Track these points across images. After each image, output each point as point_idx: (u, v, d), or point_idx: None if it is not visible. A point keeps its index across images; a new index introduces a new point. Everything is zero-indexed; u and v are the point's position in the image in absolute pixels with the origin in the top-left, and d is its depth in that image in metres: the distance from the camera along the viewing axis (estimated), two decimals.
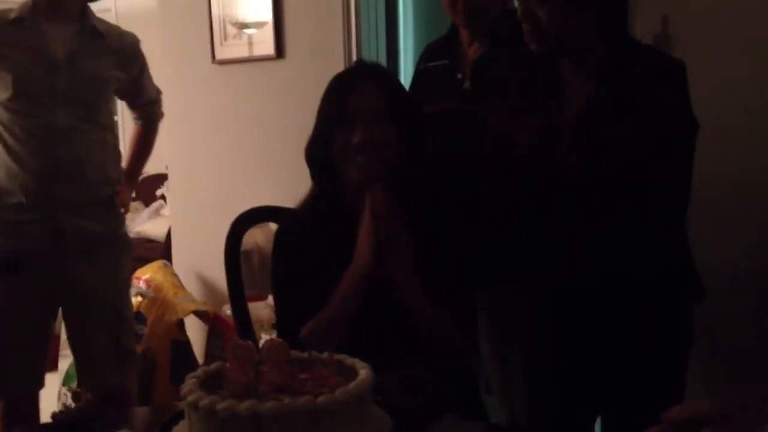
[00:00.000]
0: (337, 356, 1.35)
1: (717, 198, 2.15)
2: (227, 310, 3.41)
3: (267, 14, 3.41)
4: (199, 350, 3.40)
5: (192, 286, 3.65)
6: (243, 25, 3.49)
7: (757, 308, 2.18)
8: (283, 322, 1.78)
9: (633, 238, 1.65)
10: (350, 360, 1.35)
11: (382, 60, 3.24)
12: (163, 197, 5.33)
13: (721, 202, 2.20)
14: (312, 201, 1.79)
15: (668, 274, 1.69)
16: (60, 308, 2.61)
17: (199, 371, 1.35)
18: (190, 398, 1.23)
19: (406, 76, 3.19)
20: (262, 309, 3.07)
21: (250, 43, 3.52)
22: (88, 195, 2.50)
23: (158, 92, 2.83)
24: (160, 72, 3.74)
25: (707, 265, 1.75)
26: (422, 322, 1.64)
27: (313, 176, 1.77)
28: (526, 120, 1.75)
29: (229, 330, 3.29)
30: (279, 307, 1.80)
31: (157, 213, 5.30)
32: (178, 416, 1.34)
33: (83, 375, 2.71)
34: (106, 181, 2.58)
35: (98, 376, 2.61)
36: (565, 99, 1.76)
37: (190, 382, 1.29)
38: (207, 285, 3.69)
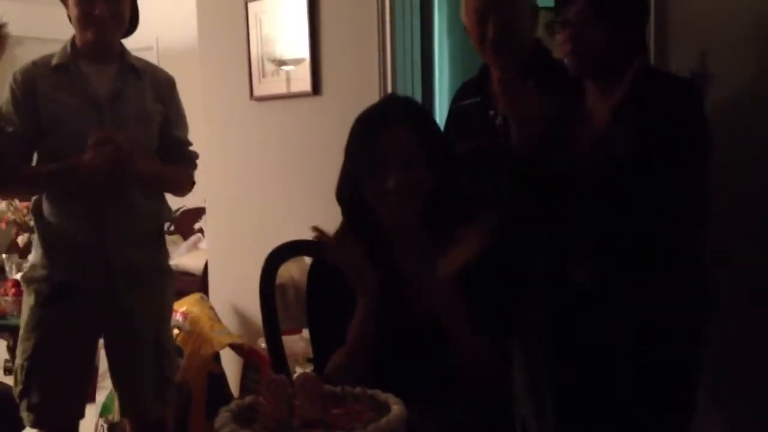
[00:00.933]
0: (371, 391, 1.36)
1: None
2: (263, 343, 3.43)
3: (304, 51, 3.46)
4: (234, 383, 3.42)
5: (228, 320, 3.68)
6: (281, 62, 3.55)
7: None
8: (319, 356, 1.78)
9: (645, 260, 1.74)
10: (384, 395, 1.35)
11: (418, 97, 3.28)
12: (200, 230, 5.40)
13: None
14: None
15: (680, 289, 1.77)
16: (101, 339, 2.65)
17: (233, 405, 1.36)
18: (226, 431, 1.24)
19: (441, 114, 3.23)
20: (297, 343, 3.09)
21: (288, 80, 3.57)
22: (138, 230, 2.54)
23: (190, 143, 2.77)
24: (199, 109, 3.85)
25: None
26: (464, 352, 1.61)
27: (345, 214, 1.76)
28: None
29: (265, 363, 3.30)
30: (314, 341, 1.81)
31: (195, 246, 5.37)
32: None
33: (126, 405, 2.73)
34: (154, 217, 2.62)
35: (141, 406, 2.63)
36: (587, 120, 1.88)
37: (223, 416, 1.30)
38: (243, 318, 3.72)
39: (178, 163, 2.67)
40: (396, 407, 1.30)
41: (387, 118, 1.68)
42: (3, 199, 4.57)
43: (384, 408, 1.31)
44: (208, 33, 3.98)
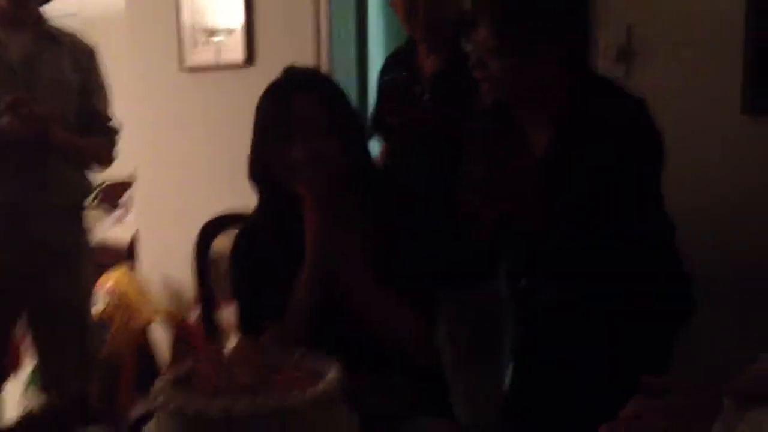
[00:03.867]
0: (308, 357, 1.37)
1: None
2: (193, 316, 3.41)
3: (237, 21, 3.41)
4: (164, 356, 3.39)
5: (158, 292, 3.63)
6: (212, 32, 3.49)
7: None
8: (245, 324, 1.77)
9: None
10: (321, 362, 1.36)
11: (352, 68, 3.28)
12: (125, 205, 5.31)
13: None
14: (263, 209, 1.77)
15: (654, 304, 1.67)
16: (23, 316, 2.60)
17: (170, 373, 1.36)
18: (161, 398, 1.24)
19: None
20: (231, 314, 3.07)
21: (219, 50, 3.52)
22: (55, 203, 2.49)
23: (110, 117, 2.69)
24: (126, 77, 3.76)
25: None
26: (372, 317, 1.62)
27: (259, 192, 1.75)
28: (492, 165, 1.74)
29: (195, 335, 3.28)
30: (241, 310, 1.79)
31: (119, 221, 5.27)
32: (147, 417, 1.35)
33: (48, 379, 2.69)
34: (73, 190, 2.57)
35: (63, 380, 2.60)
36: (523, 146, 1.72)
37: (161, 383, 1.30)
38: (172, 291, 3.68)
39: (98, 137, 2.60)
40: (332, 373, 1.31)
41: (289, 89, 1.68)
42: None
43: (321, 374, 1.32)
44: (135, 0, 3.88)
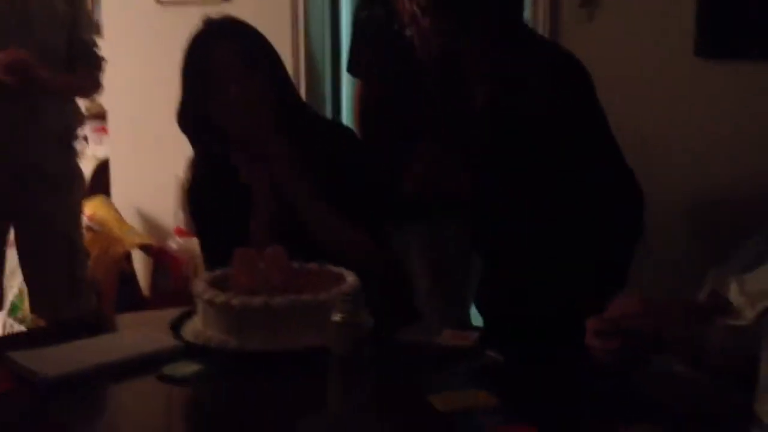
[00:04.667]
0: (325, 265, 1.56)
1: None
2: (171, 244, 3.55)
3: None
4: (144, 284, 3.53)
5: (132, 222, 3.76)
6: None
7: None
8: (210, 258, 1.85)
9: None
10: (336, 269, 1.56)
11: (326, 5, 3.42)
12: (85, 137, 5.35)
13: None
14: (203, 154, 1.87)
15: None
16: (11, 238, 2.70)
17: (205, 276, 1.53)
18: (206, 296, 1.42)
19: (347, 23, 3.40)
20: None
21: None
22: (45, 131, 2.58)
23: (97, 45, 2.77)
24: (102, 11, 3.81)
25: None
26: (322, 234, 1.71)
27: (194, 141, 1.85)
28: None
29: (175, 262, 3.43)
30: (203, 246, 1.91)
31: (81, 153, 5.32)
32: (184, 316, 1.53)
33: (37, 303, 2.80)
34: (62, 118, 2.66)
35: (53, 304, 2.71)
36: (464, 97, 1.81)
37: (200, 284, 1.47)
38: (147, 220, 3.80)
39: (85, 66, 2.67)
40: (351, 277, 1.50)
41: (213, 37, 1.78)
42: None
43: (339, 278, 1.51)
44: None
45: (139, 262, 3.54)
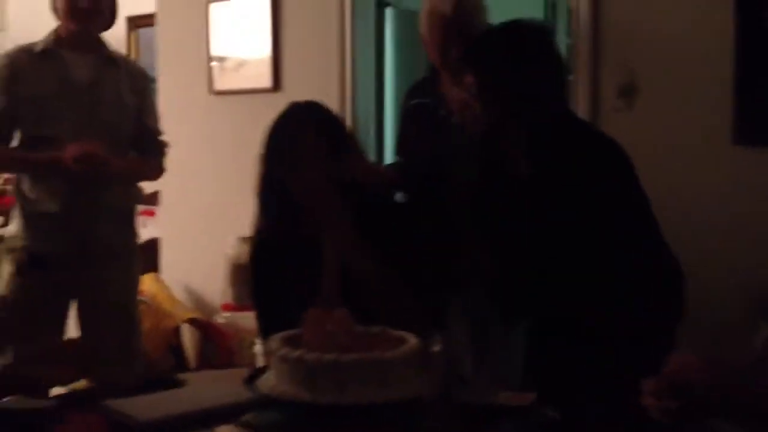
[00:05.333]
0: (385, 329, 1.67)
1: None
2: (219, 319, 3.68)
3: (265, 49, 3.73)
4: (191, 356, 3.64)
5: (182, 297, 3.90)
6: (240, 59, 3.80)
7: None
8: (265, 329, 1.98)
9: None
10: (397, 332, 1.67)
11: (371, 95, 3.63)
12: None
13: None
14: (273, 221, 2.03)
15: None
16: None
17: (277, 336, 1.64)
18: (281, 352, 1.53)
19: (391, 109, 3.61)
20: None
21: (248, 76, 3.82)
22: (110, 207, 2.74)
23: (161, 132, 2.96)
24: (160, 99, 4.05)
25: None
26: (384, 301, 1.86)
27: (269, 210, 2.02)
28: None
29: (222, 336, 3.55)
30: (260, 316, 2.04)
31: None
32: (257, 373, 1.64)
33: (92, 371, 2.89)
34: (126, 196, 2.84)
35: (107, 373, 2.78)
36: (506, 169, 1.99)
37: (274, 342, 1.59)
38: (196, 296, 3.95)
39: (149, 152, 2.87)
40: (412, 340, 1.61)
41: (299, 120, 1.99)
42: None
43: (401, 341, 1.62)
44: (168, 27, 4.19)
45: (188, 336, 3.66)
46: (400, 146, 2.80)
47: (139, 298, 3.54)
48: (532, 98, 1.88)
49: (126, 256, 2.84)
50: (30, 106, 2.62)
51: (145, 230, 4.37)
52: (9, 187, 4.62)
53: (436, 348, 1.60)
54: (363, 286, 1.88)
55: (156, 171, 2.95)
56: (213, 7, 3.95)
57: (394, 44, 3.86)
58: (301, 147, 1.94)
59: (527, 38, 1.95)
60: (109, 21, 2.77)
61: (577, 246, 1.82)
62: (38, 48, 2.67)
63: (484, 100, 1.90)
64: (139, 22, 5.16)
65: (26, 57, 2.66)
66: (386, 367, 1.49)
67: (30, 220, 2.69)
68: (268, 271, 2.02)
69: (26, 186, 2.68)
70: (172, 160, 3.97)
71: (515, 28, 1.97)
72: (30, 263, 2.67)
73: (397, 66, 3.87)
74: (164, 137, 2.94)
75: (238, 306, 3.62)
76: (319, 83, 3.53)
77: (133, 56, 2.80)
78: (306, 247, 1.96)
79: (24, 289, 2.67)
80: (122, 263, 2.81)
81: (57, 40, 2.69)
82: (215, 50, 3.95)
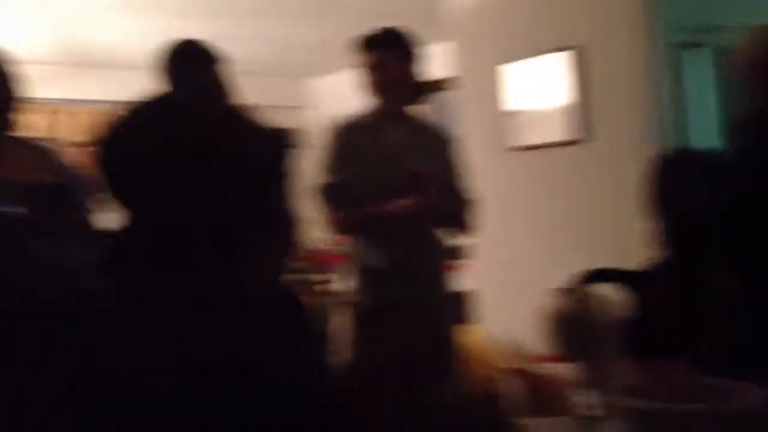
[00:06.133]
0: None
1: None
2: (541, 369, 3.77)
3: (568, 99, 3.81)
4: (514, 406, 3.76)
5: (501, 347, 4.07)
6: (541, 112, 3.91)
7: None
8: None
9: None
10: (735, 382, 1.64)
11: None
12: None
13: None
14: None
15: None
16: None
17: (623, 383, 1.70)
18: (628, 402, 1.59)
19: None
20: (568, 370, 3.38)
21: (550, 129, 3.92)
22: (429, 260, 2.97)
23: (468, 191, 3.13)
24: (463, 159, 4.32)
25: None
26: None
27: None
28: None
29: (544, 386, 3.63)
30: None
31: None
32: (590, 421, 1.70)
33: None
34: (443, 249, 3.05)
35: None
36: None
37: (617, 391, 1.65)
38: (514, 346, 4.09)
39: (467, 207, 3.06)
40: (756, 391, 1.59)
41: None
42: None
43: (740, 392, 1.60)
44: (464, 87, 4.47)
45: (510, 385, 3.81)
46: None
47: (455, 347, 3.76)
48: None
49: (444, 305, 3.03)
50: (355, 176, 2.90)
51: (459, 282, 4.67)
52: (337, 246, 5.17)
53: None
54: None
55: (467, 222, 3.09)
56: (506, 67, 4.14)
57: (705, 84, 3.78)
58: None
59: None
60: (416, 94, 3.03)
61: None
62: (356, 121, 2.97)
63: None
64: (432, 87, 5.50)
65: (348, 131, 2.96)
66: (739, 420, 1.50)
67: (363, 274, 2.94)
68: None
69: (358, 243, 2.94)
70: (484, 214, 4.22)
71: None
72: (365, 316, 2.93)
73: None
74: (470, 194, 3.10)
75: (556, 357, 3.69)
76: (628, 132, 3.56)
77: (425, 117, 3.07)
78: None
79: (362, 341, 2.91)
80: (442, 311, 3.01)
81: (370, 113, 2.98)
82: (510, 106, 4.12)
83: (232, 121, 1.18)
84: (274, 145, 1.21)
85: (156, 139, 1.12)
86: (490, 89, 4.25)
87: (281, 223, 1.23)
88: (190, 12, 5.43)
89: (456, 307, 3.20)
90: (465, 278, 4.64)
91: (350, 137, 2.96)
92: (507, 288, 4.17)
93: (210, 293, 1.12)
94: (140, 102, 1.18)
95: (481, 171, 4.20)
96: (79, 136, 6.43)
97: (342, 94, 7.01)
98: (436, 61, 4.60)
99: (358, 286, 2.96)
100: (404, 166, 2.84)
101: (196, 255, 1.12)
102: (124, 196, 1.14)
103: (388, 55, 2.91)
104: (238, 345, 1.12)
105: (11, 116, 2.36)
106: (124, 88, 7.19)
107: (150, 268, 1.13)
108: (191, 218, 1.12)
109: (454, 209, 3.02)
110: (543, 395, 3.67)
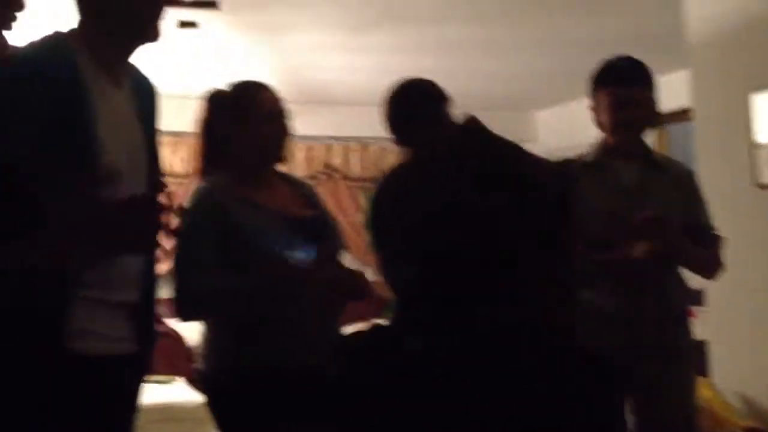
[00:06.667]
0: None
1: None
2: None
3: None
4: None
5: (736, 403, 3.75)
6: None
7: None
8: None
9: None
10: None
11: None
12: None
13: None
14: None
15: None
16: None
17: None
18: None
19: None
20: None
21: None
22: (667, 307, 2.74)
23: (713, 227, 2.83)
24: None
25: None
26: None
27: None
28: None
29: None
30: None
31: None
32: None
33: None
34: (682, 294, 2.82)
35: None
36: None
37: None
38: (751, 403, 3.70)
39: (707, 248, 2.77)
40: None
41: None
42: None
43: None
44: (706, 118, 4.07)
45: None
46: None
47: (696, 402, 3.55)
48: None
49: (682, 357, 2.77)
50: (585, 218, 2.55)
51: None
52: None
53: None
54: None
55: (715, 264, 2.84)
56: (757, 96, 3.74)
57: None
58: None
59: None
60: (652, 124, 2.86)
61: None
62: (589, 159, 2.79)
63: None
64: (668, 119, 5.23)
65: (580, 169, 2.76)
66: None
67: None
68: None
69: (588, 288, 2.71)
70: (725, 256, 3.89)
71: None
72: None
73: None
74: (718, 232, 2.84)
75: None
76: None
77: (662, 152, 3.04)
78: None
79: None
80: (677, 365, 2.75)
81: (604, 150, 2.79)
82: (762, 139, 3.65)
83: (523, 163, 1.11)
84: (562, 179, 1.15)
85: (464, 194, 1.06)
86: (737, 119, 3.86)
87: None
88: (410, 48, 5.39)
89: (693, 356, 2.93)
90: (697, 326, 4.01)
91: (580, 176, 2.76)
92: (742, 338, 3.74)
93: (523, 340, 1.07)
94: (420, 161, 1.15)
95: (723, 209, 3.81)
96: (310, 171, 6.88)
97: (567, 126, 6.64)
98: (668, 90, 4.22)
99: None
100: (637, 210, 2.62)
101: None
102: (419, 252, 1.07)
103: (636, 90, 2.71)
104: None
105: (284, 152, 2.54)
106: (348, 123, 7.17)
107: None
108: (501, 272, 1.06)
109: (696, 254, 2.77)
110: None
